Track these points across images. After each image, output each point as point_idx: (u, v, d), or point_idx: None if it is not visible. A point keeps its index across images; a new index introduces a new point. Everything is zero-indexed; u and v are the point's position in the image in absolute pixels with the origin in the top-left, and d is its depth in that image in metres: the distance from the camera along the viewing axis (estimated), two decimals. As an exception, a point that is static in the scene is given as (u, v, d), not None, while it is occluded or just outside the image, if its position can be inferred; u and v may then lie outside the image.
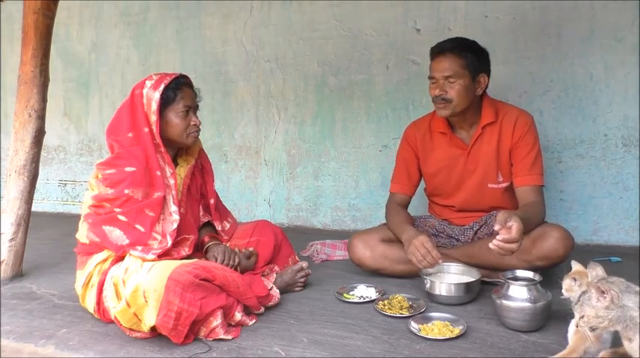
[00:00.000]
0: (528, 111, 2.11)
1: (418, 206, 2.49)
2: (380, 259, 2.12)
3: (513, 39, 2.81)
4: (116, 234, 1.65)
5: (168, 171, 1.75)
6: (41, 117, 2.25)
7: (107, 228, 1.66)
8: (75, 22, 3.87)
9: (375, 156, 3.14)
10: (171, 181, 1.75)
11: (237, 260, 1.83)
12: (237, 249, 1.91)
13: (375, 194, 3.13)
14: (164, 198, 1.70)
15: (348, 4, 3.13)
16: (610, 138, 2.68)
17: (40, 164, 2.30)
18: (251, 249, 1.96)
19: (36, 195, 2.36)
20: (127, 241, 1.64)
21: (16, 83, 2.25)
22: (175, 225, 1.71)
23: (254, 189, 3.46)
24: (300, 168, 3.34)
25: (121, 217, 1.65)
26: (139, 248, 1.62)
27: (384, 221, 2.23)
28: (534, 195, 1.98)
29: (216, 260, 1.78)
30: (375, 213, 3.10)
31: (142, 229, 1.64)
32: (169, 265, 1.53)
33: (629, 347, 1.14)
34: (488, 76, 2.06)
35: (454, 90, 1.97)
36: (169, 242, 1.67)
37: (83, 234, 1.74)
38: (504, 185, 2.10)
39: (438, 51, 2.00)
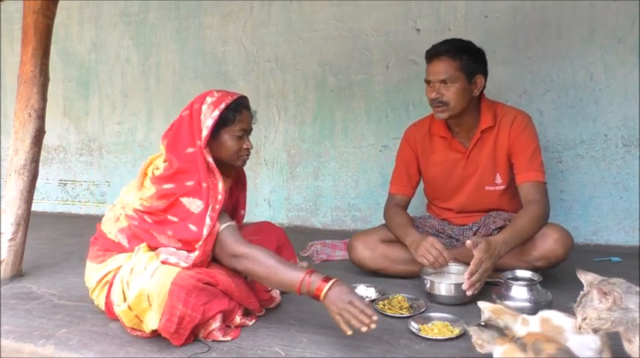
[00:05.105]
0: (527, 112, 2.11)
1: (418, 206, 2.49)
2: (380, 260, 2.12)
3: (513, 39, 2.81)
4: (163, 241, 1.62)
5: (220, 185, 1.66)
6: (41, 116, 2.25)
7: (155, 233, 1.64)
8: (75, 22, 3.87)
9: (375, 156, 3.14)
10: (219, 197, 1.65)
11: None
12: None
13: (375, 194, 3.13)
14: (206, 211, 1.61)
15: (348, 4, 3.13)
16: (610, 138, 2.68)
17: (40, 164, 2.30)
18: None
19: (36, 195, 2.36)
20: (172, 250, 1.61)
21: (16, 83, 2.25)
22: (201, 242, 1.60)
23: (254, 189, 3.45)
24: (300, 168, 3.34)
25: (169, 231, 1.62)
26: (171, 252, 1.60)
27: (384, 221, 2.22)
28: (533, 193, 1.94)
29: None
30: (375, 213, 3.10)
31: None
32: (173, 269, 1.52)
33: (628, 348, 1.14)
34: (485, 76, 2.05)
35: (450, 93, 1.96)
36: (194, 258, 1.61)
37: (112, 230, 1.71)
38: (502, 187, 2.09)
39: (433, 54, 2.00)
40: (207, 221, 1.58)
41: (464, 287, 1.69)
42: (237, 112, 1.70)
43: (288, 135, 3.35)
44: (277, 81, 3.35)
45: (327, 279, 1.48)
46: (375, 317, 1.40)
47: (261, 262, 1.55)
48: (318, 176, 3.29)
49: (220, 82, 3.47)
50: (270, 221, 2.23)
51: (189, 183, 1.62)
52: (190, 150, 1.65)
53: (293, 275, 1.51)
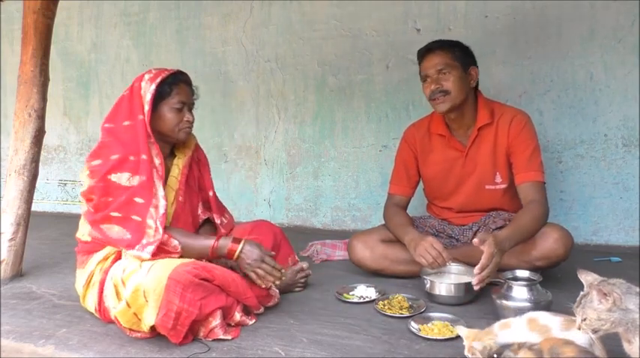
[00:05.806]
0: (525, 111, 2.11)
1: (418, 206, 2.49)
2: (380, 259, 2.12)
3: (513, 39, 2.81)
4: (115, 230, 1.64)
5: (157, 160, 1.71)
6: (41, 116, 2.25)
7: (105, 226, 1.64)
8: (75, 22, 3.87)
9: (375, 156, 3.14)
10: (160, 171, 1.71)
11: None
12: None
13: (375, 194, 3.13)
14: (151, 183, 1.66)
15: (348, 4, 3.13)
16: (610, 138, 2.68)
17: (40, 164, 2.30)
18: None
19: (36, 195, 2.36)
20: (128, 235, 1.62)
21: (16, 83, 2.25)
22: (162, 210, 1.65)
23: (254, 189, 3.46)
24: (300, 168, 3.34)
25: (114, 213, 1.64)
26: (136, 247, 1.60)
27: (384, 221, 2.22)
28: (533, 193, 1.95)
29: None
30: (375, 213, 3.10)
31: (138, 219, 1.62)
32: (169, 264, 1.53)
33: (628, 348, 1.14)
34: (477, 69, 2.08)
35: (449, 82, 1.98)
36: (161, 231, 1.62)
37: (84, 231, 1.73)
38: (502, 186, 2.09)
39: (426, 50, 2.04)
40: (160, 190, 1.66)
41: (473, 282, 1.67)
42: (174, 85, 1.77)
43: (288, 135, 3.35)
44: (277, 81, 3.35)
45: (237, 241, 1.69)
46: (283, 271, 1.74)
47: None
48: (318, 176, 3.29)
49: (220, 81, 3.47)
50: (268, 220, 2.23)
51: (114, 157, 1.66)
52: (127, 123, 1.70)
53: (204, 244, 1.69)
